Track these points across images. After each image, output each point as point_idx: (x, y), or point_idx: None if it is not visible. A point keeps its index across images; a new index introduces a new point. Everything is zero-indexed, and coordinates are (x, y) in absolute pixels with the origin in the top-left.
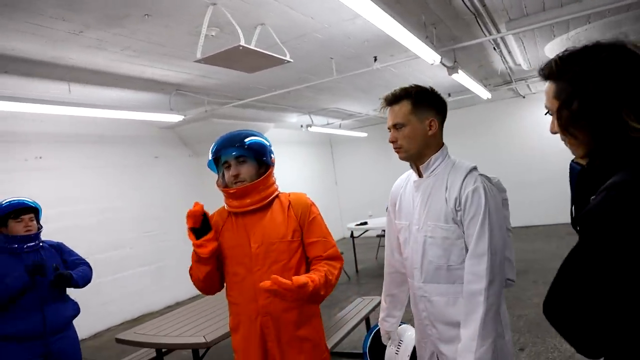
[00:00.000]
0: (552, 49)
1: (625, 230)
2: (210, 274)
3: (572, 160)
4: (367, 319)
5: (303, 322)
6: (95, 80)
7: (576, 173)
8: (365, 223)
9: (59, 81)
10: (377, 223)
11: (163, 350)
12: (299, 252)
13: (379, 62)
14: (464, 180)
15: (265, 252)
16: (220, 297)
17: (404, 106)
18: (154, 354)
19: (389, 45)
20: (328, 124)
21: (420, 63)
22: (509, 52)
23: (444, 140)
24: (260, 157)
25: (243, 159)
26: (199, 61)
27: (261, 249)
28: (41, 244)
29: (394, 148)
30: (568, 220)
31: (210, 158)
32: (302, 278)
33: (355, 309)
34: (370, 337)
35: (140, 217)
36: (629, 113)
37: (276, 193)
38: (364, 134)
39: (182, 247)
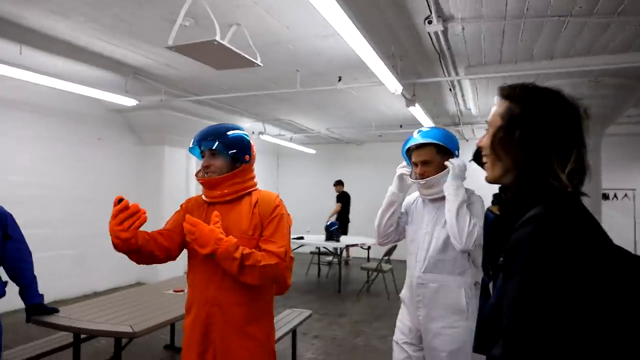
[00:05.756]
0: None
1: (567, 257)
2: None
3: (488, 208)
4: (294, 331)
5: (252, 319)
6: (51, 47)
7: (490, 220)
8: (302, 238)
9: (11, 41)
10: (312, 240)
11: (81, 336)
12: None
13: (343, 83)
14: None
15: None
16: (148, 290)
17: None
18: (68, 340)
19: (354, 69)
20: (279, 134)
21: (381, 91)
22: (462, 96)
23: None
24: (233, 153)
25: (216, 152)
26: (170, 48)
27: None
28: None
29: None
30: None
31: (191, 146)
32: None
33: (284, 319)
34: None
35: (72, 198)
36: (559, 161)
37: (251, 189)
38: (313, 151)
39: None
